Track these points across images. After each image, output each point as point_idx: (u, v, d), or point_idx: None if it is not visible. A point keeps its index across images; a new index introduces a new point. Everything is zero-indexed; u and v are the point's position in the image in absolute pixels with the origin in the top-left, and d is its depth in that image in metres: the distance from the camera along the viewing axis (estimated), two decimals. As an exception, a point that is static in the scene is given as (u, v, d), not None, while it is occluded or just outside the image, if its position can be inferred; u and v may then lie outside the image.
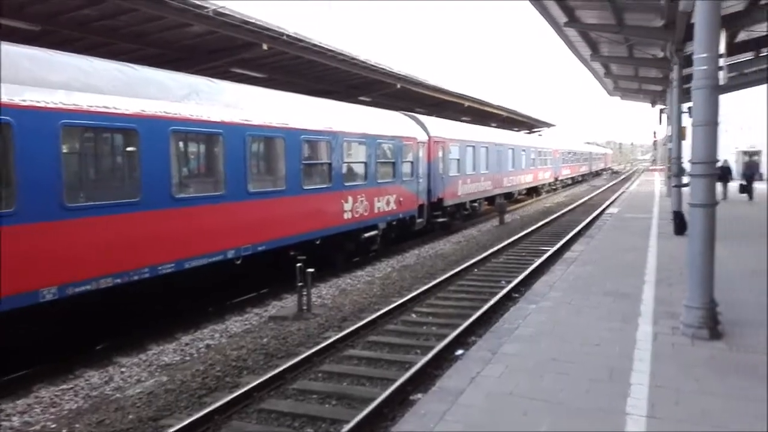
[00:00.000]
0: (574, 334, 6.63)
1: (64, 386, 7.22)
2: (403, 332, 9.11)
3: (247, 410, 6.38)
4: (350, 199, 13.65)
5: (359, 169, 14.41)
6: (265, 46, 14.30)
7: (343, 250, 14.13)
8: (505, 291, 10.89)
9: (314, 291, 11.16)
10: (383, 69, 19.48)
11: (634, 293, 8.45)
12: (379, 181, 15.04)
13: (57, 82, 7.23)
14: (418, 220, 17.71)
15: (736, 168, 31.05)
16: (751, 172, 25.54)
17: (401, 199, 16.32)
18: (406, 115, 18.84)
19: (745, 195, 24.16)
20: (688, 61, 14.55)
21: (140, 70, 8.98)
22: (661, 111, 29.78)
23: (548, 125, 50.12)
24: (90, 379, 7.47)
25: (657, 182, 42.04)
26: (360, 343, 8.60)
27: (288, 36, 14.16)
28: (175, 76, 9.71)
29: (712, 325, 6.27)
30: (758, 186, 26.28)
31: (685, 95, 16.05)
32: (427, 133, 18.59)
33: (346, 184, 13.52)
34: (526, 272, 12.52)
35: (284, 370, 7.19)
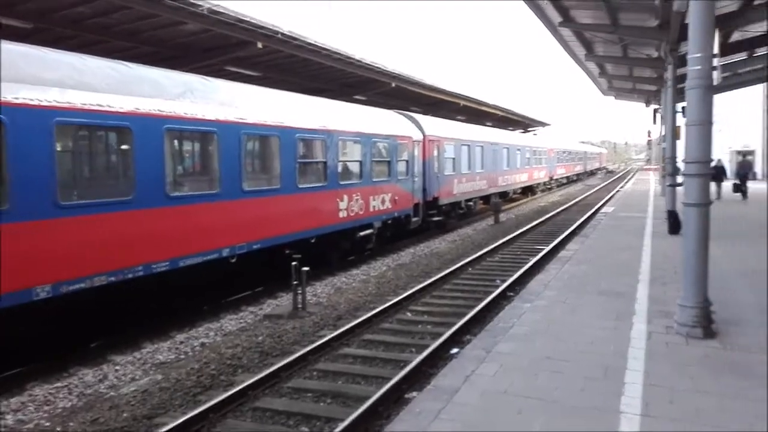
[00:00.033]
0: (568, 332, 6.64)
1: (58, 384, 7.19)
2: (398, 331, 9.12)
3: (242, 408, 6.37)
4: (345, 197, 13.65)
5: (354, 167, 14.41)
6: (259, 45, 14.28)
7: (339, 248, 14.13)
8: (499, 290, 10.90)
9: (309, 289, 11.15)
10: (378, 68, 19.48)
11: (629, 292, 8.47)
12: (374, 179, 15.04)
13: (50, 80, 7.20)
14: (414, 219, 17.71)
15: (730, 168, 31.17)
16: (744, 172, 25.67)
17: (396, 197, 16.32)
18: (401, 114, 18.84)
19: (738, 194, 24.30)
20: (682, 61, 14.62)
21: (134, 68, 8.95)
22: (656, 111, 29.90)
23: (543, 124, 50.24)
24: (84, 377, 7.45)
25: (651, 181, 42.22)
26: (355, 341, 8.60)
27: (283, 34, 14.15)
28: (170, 74, 9.68)
29: (706, 324, 6.30)
30: (752, 185, 26.42)
31: (679, 95, 16.12)
32: (423, 132, 18.59)
33: (342, 182, 13.52)
34: (521, 271, 12.55)
35: (279, 368, 7.18)
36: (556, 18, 15.92)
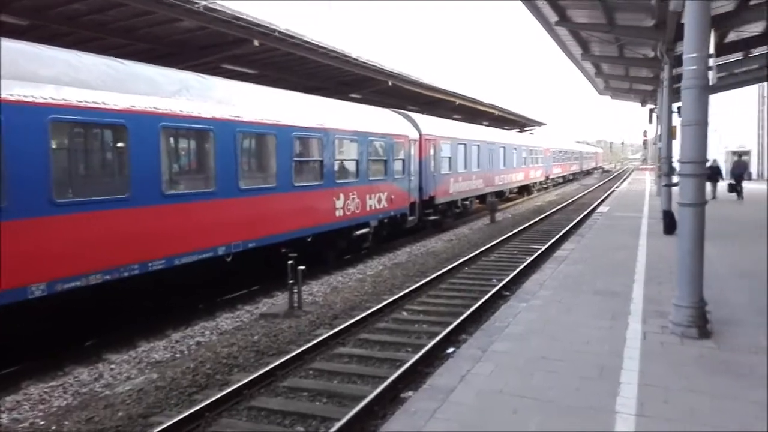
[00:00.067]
0: (564, 332, 6.66)
1: (53, 383, 7.17)
2: (394, 330, 9.12)
3: (238, 408, 6.36)
4: (342, 196, 13.64)
5: (351, 166, 14.40)
6: (256, 42, 14.24)
7: (335, 247, 14.12)
8: (495, 289, 10.92)
9: (305, 288, 11.14)
10: (375, 66, 19.47)
11: (624, 292, 8.50)
12: (370, 178, 15.04)
13: (46, 77, 7.17)
14: (410, 218, 17.72)
15: (725, 168, 31.28)
16: (739, 172, 25.75)
17: (393, 196, 16.32)
18: (397, 112, 18.83)
19: (733, 194, 24.39)
20: (678, 61, 14.63)
21: (130, 66, 8.92)
22: (651, 111, 29.97)
23: (539, 124, 50.29)
24: (79, 375, 7.43)
25: (647, 181, 42.31)
26: (351, 340, 8.60)
27: (279, 32, 14.11)
28: (166, 71, 9.65)
29: (701, 324, 6.32)
30: (747, 186, 26.51)
31: (675, 95, 16.15)
32: (419, 131, 18.59)
33: (338, 181, 13.51)
34: (517, 270, 12.57)
35: (275, 367, 7.18)
36: (553, 17, 15.93)
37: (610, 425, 4.37)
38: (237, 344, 8.49)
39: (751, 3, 13.71)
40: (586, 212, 24.74)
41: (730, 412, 4.54)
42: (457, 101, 28.97)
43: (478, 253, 15.16)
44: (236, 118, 10.20)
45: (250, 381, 6.74)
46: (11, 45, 7.11)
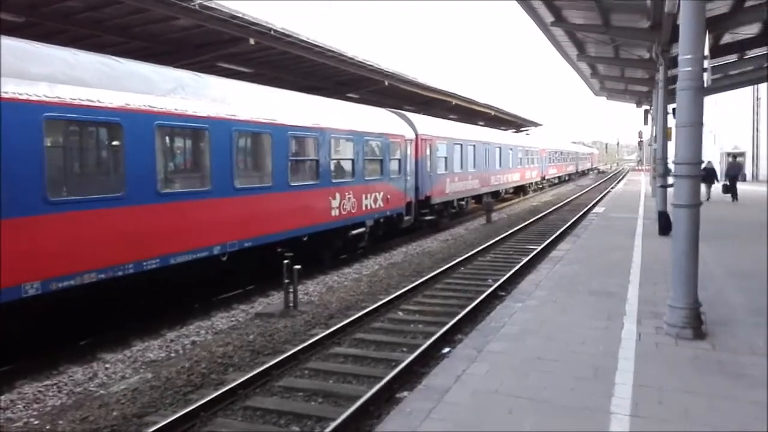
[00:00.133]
0: (559, 332, 6.66)
1: (48, 382, 7.15)
2: (389, 330, 9.12)
3: (233, 407, 6.35)
4: (338, 196, 13.63)
5: (347, 166, 14.39)
6: (252, 41, 14.21)
7: (331, 247, 14.11)
8: (491, 289, 10.93)
9: (301, 288, 11.13)
10: (371, 66, 19.45)
11: (619, 292, 8.51)
12: (366, 178, 15.03)
13: (40, 75, 7.13)
14: (406, 218, 17.72)
15: (720, 169, 31.43)
16: (734, 173, 25.87)
17: (389, 196, 16.32)
18: (393, 112, 18.83)
19: (728, 195, 24.50)
20: (673, 63, 14.65)
21: (125, 64, 8.89)
22: (647, 112, 30.06)
23: (535, 124, 50.36)
24: (74, 375, 7.40)
25: (643, 182, 42.44)
26: (347, 340, 8.59)
27: (275, 31, 14.08)
28: (161, 69, 9.62)
29: (696, 325, 6.33)
30: (742, 187, 26.64)
31: (670, 96, 16.22)
32: (415, 131, 18.59)
33: (334, 180, 13.50)
34: (513, 271, 12.59)
35: (270, 367, 7.17)
36: (548, 18, 15.94)
37: (604, 426, 4.38)
38: (232, 344, 8.48)
39: (746, 5, 13.76)
40: (581, 213, 24.79)
41: (726, 413, 4.55)
42: (454, 101, 28.98)
43: (474, 253, 15.17)
44: (232, 117, 10.17)
45: (246, 380, 6.73)
46: (6, 42, 7.08)
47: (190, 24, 13.04)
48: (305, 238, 12.49)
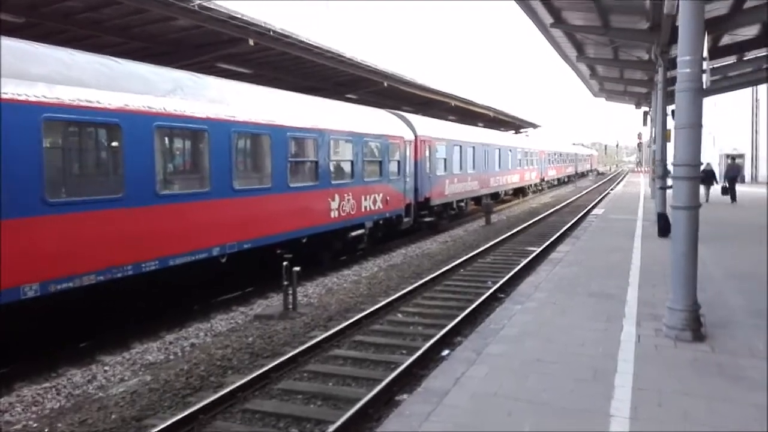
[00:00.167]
0: (558, 334, 6.65)
1: (47, 385, 7.13)
2: (389, 332, 9.10)
3: (232, 410, 6.33)
4: (337, 197, 13.62)
5: (346, 167, 14.38)
6: (251, 42, 14.22)
7: (330, 248, 14.10)
8: (490, 291, 10.92)
9: (300, 290, 11.11)
10: (370, 67, 19.46)
11: (619, 294, 8.51)
12: (366, 179, 15.02)
13: (38, 75, 7.12)
14: (405, 220, 17.71)
15: (719, 171, 31.45)
16: (733, 174, 25.89)
17: (388, 198, 16.31)
18: (393, 113, 18.83)
19: (727, 197, 24.51)
20: (672, 64, 14.67)
21: (124, 64, 8.88)
22: (646, 113, 30.08)
23: (534, 126, 50.39)
24: (72, 377, 7.38)
25: (642, 184, 42.47)
26: (346, 342, 8.58)
27: (274, 32, 14.09)
28: (160, 70, 9.61)
29: (695, 328, 6.32)
30: (741, 188, 26.67)
31: (669, 97, 16.20)
32: (414, 132, 18.59)
33: (333, 182, 13.49)
34: (512, 273, 12.58)
35: (269, 369, 7.15)
36: (548, 19, 15.96)
37: (604, 428, 4.37)
38: (231, 346, 8.46)
39: (745, 6, 13.77)
40: (581, 214, 24.79)
41: (725, 415, 4.54)
42: (453, 102, 29.00)
43: (474, 255, 15.16)
44: (231, 118, 10.17)
45: (245, 383, 6.71)
46: (5, 42, 7.06)
47: (189, 24, 13.05)
48: (304, 240, 12.48)
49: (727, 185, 25.09)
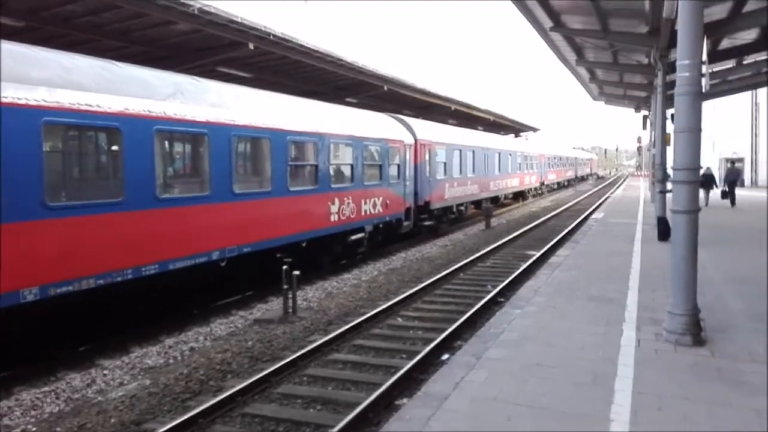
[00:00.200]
0: (558, 338, 6.65)
1: (46, 389, 7.12)
2: (388, 336, 9.09)
3: (231, 414, 6.32)
4: (337, 201, 13.62)
5: (346, 171, 14.39)
6: (251, 46, 14.24)
7: (330, 252, 14.09)
8: (490, 295, 10.91)
9: (300, 294, 11.10)
10: (370, 71, 19.48)
11: (619, 298, 8.50)
12: (365, 183, 15.03)
13: (38, 79, 7.13)
14: (405, 223, 17.71)
15: (719, 175, 31.49)
16: (733, 178, 25.92)
17: (388, 201, 16.32)
18: (392, 117, 18.84)
19: (726, 201, 24.53)
20: (671, 68, 14.72)
21: (124, 68, 8.89)
22: (645, 117, 30.11)
23: (534, 129, 50.46)
24: (72, 381, 7.37)
25: (642, 188, 42.49)
26: (346, 346, 8.57)
27: (274, 36, 14.12)
28: (160, 74, 9.62)
29: (695, 332, 6.32)
30: (740, 192, 26.68)
31: (669, 101, 16.19)
32: (414, 136, 18.60)
33: (333, 186, 13.49)
34: (512, 277, 12.56)
35: (269, 373, 7.14)
36: (548, 23, 15.97)
37: (604, 433, 4.37)
38: (231, 350, 8.45)
39: (744, 10, 13.79)
40: (580, 218, 24.79)
41: (725, 420, 4.54)
42: (453, 106, 29.04)
43: (473, 259, 15.16)
44: (231, 122, 10.17)
45: (244, 387, 6.70)
46: (5, 46, 7.07)
47: (190, 28, 13.07)
48: (304, 244, 12.48)
49: (727, 189, 25.12)
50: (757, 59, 19.76)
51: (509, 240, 18.94)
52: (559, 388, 5.21)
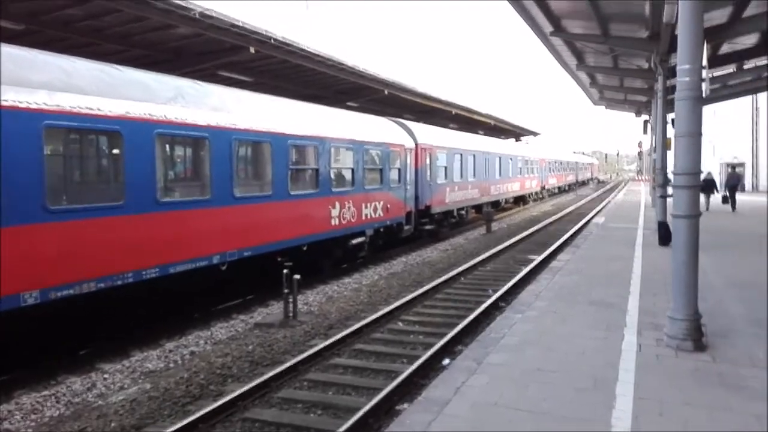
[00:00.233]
0: (559, 343, 6.64)
1: (46, 392, 7.11)
2: (389, 341, 9.08)
3: (231, 419, 6.31)
4: (338, 205, 13.62)
5: (347, 175, 14.40)
6: (252, 50, 14.27)
7: (331, 256, 14.08)
8: (491, 300, 10.89)
9: (301, 298, 11.10)
10: (371, 75, 19.52)
11: (619, 303, 8.49)
12: (366, 187, 15.03)
13: (39, 82, 7.14)
14: (406, 227, 17.70)
15: (720, 180, 31.50)
16: (733, 183, 25.91)
17: (389, 205, 16.31)
18: (393, 121, 18.85)
19: (727, 205, 24.52)
20: (672, 73, 14.72)
21: (125, 72, 8.91)
22: (646, 122, 30.13)
23: (534, 134, 50.50)
24: (72, 385, 7.36)
25: (643, 192, 42.48)
26: (346, 351, 8.55)
27: (275, 40, 14.15)
28: (161, 77, 9.64)
29: (696, 337, 6.30)
30: (741, 197, 26.67)
31: (669, 106, 16.23)
32: (415, 140, 18.61)
33: (334, 190, 13.50)
34: (513, 281, 12.55)
35: (269, 378, 7.12)
36: (548, 27, 16.01)
37: (605, 438, 4.35)
38: (231, 354, 8.44)
39: (744, 15, 13.82)
40: (581, 223, 24.78)
41: (726, 426, 4.52)
42: (454, 111, 29.08)
43: (474, 264, 15.14)
44: (232, 126, 10.19)
45: (245, 392, 6.69)
46: (5, 50, 7.09)
47: (190, 32, 13.10)
48: (305, 248, 12.47)
49: (728, 194, 25.11)
50: (758, 64, 19.79)
51: (510, 244, 18.93)
52: (560, 393, 5.19)
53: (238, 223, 10.33)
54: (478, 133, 35.67)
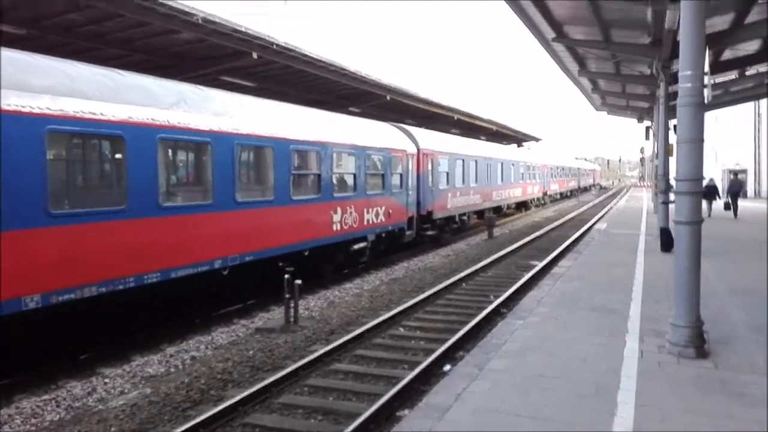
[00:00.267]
0: (561, 349, 6.62)
1: (46, 397, 7.10)
2: (390, 346, 9.06)
3: (232, 424, 6.29)
4: (339, 210, 13.62)
5: (349, 180, 14.41)
6: (255, 55, 14.32)
7: (332, 261, 14.07)
8: (493, 306, 10.87)
9: (302, 303, 11.08)
10: (373, 80, 19.56)
11: (621, 309, 8.47)
12: (368, 192, 15.03)
13: (42, 87, 7.16)
14: (408, 233, 17.69)
15: (722, 186, 31.47)
16: (735, 190, 25.89)
17: (390, 211, 16.31)
18: (395, 126, 18.87)
19: (729, 212, 24.49)
20: (674, 79, 14.71)
21: (127, 77, 8.93)
22: (648, 128, 30.14)
23: (536, 139, 50.53)
24: (72, 389, 7.35)
25: (645, 198, 42.44)
26: (347, 356, 8.53)
27: (278, 45, 14.20)
28: (163, 83, 9.67)
29: (698, 344, 6.28)
30: (743, 204, 26.63)
31: (671, 112, 16.22)
32: (417, 146, 18.62)
33: (336, 195, 13.50)
34: (515, 287, 12.52)
35: (270, 383, 7.11)
36: (550, 33, 16.03)
37: (607, 445, 4.33)
38: (232, 359, 8.43)
39: (746, 22, 13.83)
40: (583, 229, 24.75)
41: (728, 433, 4.50)
42: (456, 116, 29.11)
43: (476, 270, 15.12)
44: (234, 131, 10.20)
45: (245, 397, 6.67)
46: (8, 54, 7.11)
47: (193, 38, 13.14)
48: (306, 253, 12.47)
49: (730, 201, 25.08)
50: (760, 70, 19.78)
51: (512, 250, 18.90)
52: (561, 399, 5.18)
53: (240, 228, 10.33)
54: (480, 139, 35.71)
